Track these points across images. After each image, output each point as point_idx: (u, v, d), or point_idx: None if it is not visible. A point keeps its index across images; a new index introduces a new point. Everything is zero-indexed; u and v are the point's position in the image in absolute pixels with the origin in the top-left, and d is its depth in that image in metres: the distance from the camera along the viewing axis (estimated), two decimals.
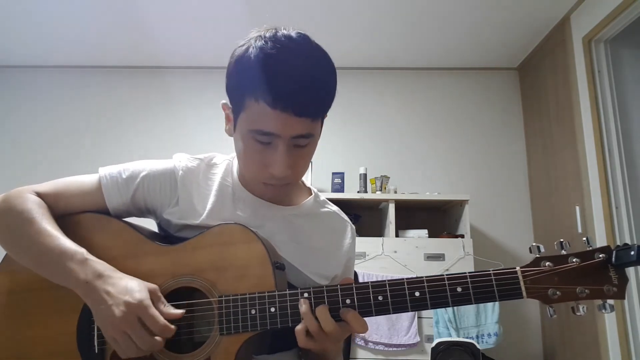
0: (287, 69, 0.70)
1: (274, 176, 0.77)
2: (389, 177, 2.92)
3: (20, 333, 0.78)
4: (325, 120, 0.82)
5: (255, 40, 0.74)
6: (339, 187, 2.85)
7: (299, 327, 0.71)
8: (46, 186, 0.84)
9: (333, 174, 2.91)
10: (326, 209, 0.96)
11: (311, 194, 0.96)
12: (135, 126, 3.33)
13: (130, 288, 0.71)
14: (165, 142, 3.25)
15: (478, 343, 2.27)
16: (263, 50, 0.71)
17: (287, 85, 0.70)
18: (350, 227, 0.97)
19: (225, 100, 0.81)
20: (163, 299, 0.74)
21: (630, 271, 2.12)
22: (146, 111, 3.35)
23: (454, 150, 3.19)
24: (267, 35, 0.73)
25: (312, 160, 3.47)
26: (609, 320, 2.20)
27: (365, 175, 2.87)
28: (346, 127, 3.24)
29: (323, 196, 0.99)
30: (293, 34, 0.74)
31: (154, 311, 0.69)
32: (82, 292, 0.72)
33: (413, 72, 3.33)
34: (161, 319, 0.70)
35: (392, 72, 3.34)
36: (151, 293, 0.73)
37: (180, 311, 0.73)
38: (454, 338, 2.28)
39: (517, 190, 3.11)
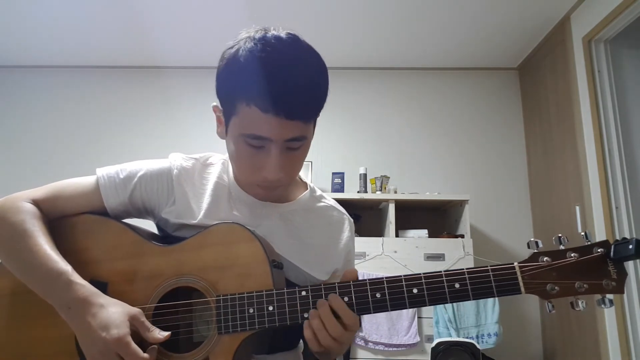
0: (278, 72, 0.69)
1: (266, 179, 0.77)
2: (389, 177, 2.92)
3: (21, 334, 0.79)
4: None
5: (245, 42, 0.72)
6: (339, 187, 2.86)
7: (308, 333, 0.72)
8: (42, 191, 0.83)
9: (333, 174, 2.91)
10: (322, 204, 0.95)
11: (307, 189, 0.95)
12: (135, 126, 3.33)
13: (110, 321, 0.69)
14: (164, 142, 3.25)
15: (478, 343, 2.27)
16: (252, 52, 0.70)
17: (278, 89, 0.68)
18: (348, 220, 0.96)
19: (216, 102, 0.80)
20: (147, 323, 0.73)
21: (630, 269, 2.12)
22: (145, 111, 3.35)
23: (454, 150, 3.19)
24: (257, 36, 0.72)
25: (312, 160, 3.41)
26: (609, 320, 2.20)
27: (365, 175, 2.87)
28: (346, 127, 3.24)
29: (320, 191, 0.98)
30: (283, 34, 0.73)
31: (132, 349, 0.68)
32: (64, 316, 0.72)
33: (413, 72, 3.33)
34: (139, 355, 0.68)
35: (392, 72, 3.34)
36: (133, 321, 0.71)
37: (166, 333, 0.72)
38: (454, 338, 2.28)
39: (517, 190, 3.11)
